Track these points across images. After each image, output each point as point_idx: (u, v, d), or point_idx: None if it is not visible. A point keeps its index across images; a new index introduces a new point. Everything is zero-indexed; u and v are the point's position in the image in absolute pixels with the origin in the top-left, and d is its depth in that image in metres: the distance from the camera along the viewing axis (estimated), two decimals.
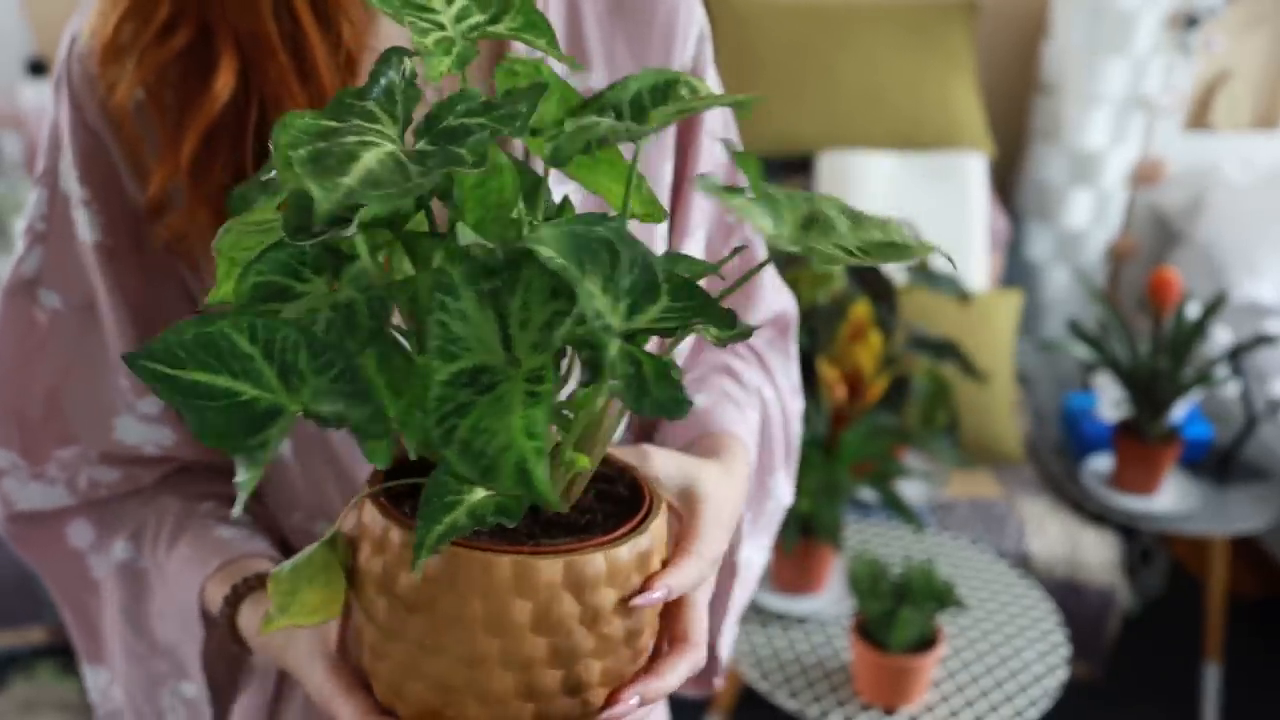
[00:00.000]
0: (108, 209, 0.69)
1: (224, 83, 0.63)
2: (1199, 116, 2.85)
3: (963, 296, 2.02)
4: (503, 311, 0.45)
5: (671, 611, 0.57)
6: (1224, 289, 2.20)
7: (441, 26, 0.50)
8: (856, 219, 0.51)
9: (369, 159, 0.43)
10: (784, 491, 0.89)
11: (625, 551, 0.52)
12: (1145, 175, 2.69)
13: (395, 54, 0.49)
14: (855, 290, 1.97)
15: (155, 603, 0.75)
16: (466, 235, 0.47)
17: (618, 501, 0.55)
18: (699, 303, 0.48)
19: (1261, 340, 1.98)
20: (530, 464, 0.44)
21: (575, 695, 0.53)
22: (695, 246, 0.80)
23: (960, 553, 1.87)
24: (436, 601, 0.50)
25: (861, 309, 1.62)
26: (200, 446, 0.75)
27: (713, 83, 0.80)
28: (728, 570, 0.80)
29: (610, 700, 0.54)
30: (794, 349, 0.90)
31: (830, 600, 1.70)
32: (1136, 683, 2.34)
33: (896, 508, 1.57)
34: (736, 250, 0.55)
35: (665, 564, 0.55)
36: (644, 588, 0.53)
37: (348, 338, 0.47)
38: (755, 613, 1.70)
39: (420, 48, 0.49)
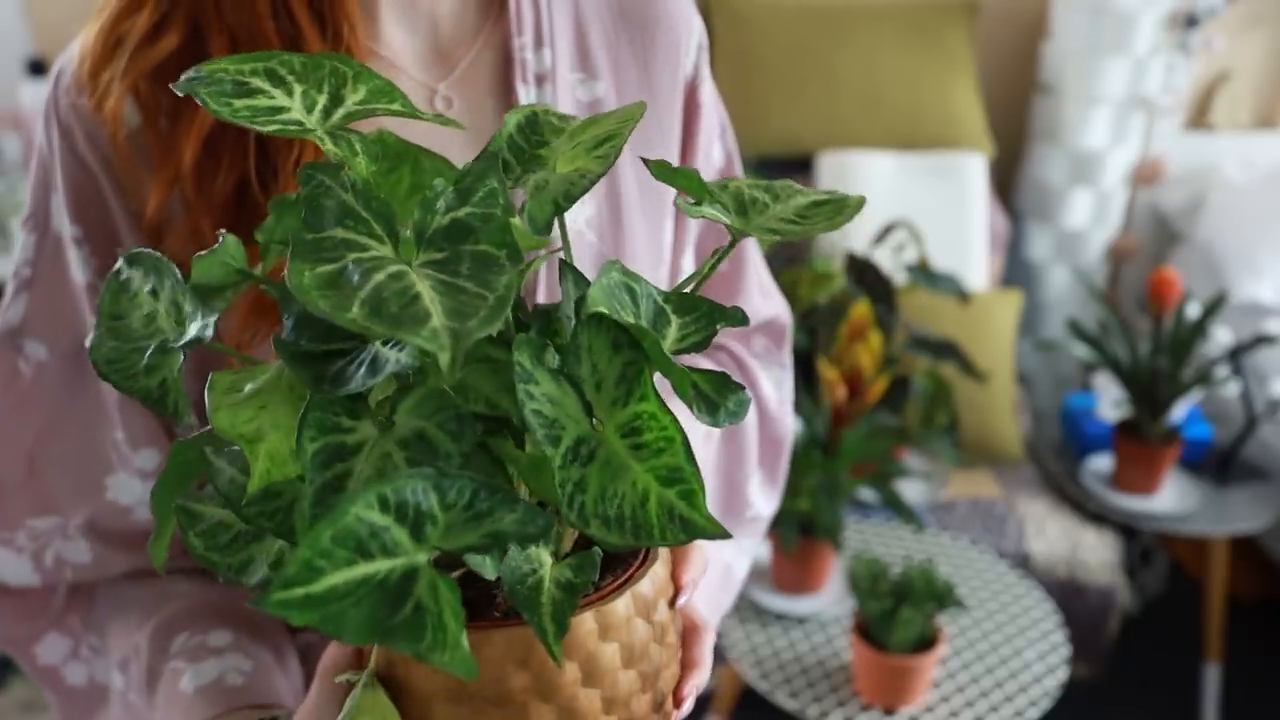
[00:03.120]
0: (100, 248, 0.66)
1: None
2: (1199, 116, 2.85)
3: (963, 296, 2.02)
4: (575, 381, 0.45)
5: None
6: (1224, 289, 2.20)
7: (301, 124, 0.46)
8: (773, 191, 0.51)
9: (426, 294, 0.40)
10: (761, 501, 0.87)
11: (660, 564, 0.53)
12: (1145, 175, 2.69)
13: (312, 170, 0.43)
14: (855, 290, 1.98)
15: None
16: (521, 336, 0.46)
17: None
18: (706, 309, 0.48)
19: (1261, 340, 1.98)
20: (679, 509, 0.44)
21: (660, 709, 0.53)
22: (693, 260, 0.81)
23: (960, 553, 1.87)
24: (511, 684, 0.47)
25: (861, 309, 1.62)
26: None
27: (709, 91, 0.81)
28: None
29: (678, 703, 0.55)
30: (789, 359, 0.89)
31: (830, 600, 1.70)
32: (1136, 683, 2.34)
33: (897, 508, 1.58)
34: (717, 253, 0.53)
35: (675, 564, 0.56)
36: (677, 589, 0.54)
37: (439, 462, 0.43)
38: (755, 613, 1.70)
39: (329, 154, 0.46)
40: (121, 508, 0.70)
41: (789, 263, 2.00)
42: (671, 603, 0.53)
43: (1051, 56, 2.63)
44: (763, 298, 0.87)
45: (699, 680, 0.55)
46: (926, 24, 2.61)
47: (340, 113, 0.47)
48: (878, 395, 1.59)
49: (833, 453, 1.62)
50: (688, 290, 0.50)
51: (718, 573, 0.83)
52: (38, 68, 2.38)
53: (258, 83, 0.46)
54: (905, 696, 1.50)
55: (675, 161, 0.77)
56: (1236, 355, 2.01)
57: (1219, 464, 2.16)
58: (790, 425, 0.89)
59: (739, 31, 2.61)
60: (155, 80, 0.63)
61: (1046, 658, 1.61)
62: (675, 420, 0.45)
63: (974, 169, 2.56)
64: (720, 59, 2.62)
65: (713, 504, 0.79)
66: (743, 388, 0.47)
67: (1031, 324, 2.80)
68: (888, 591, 1.47)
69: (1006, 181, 2.84)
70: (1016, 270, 2.78)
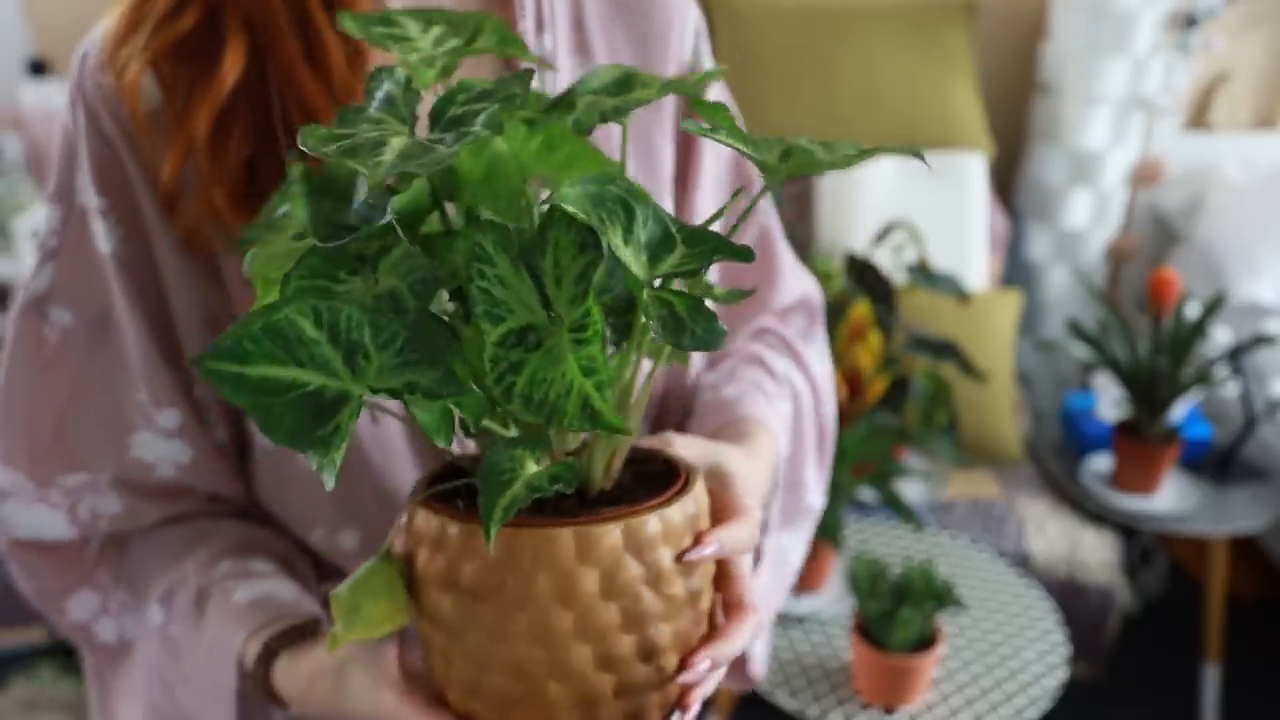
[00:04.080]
0: (124, 219, 0.69)
1: (232, 63, 0.64)
2: (1199, 116, 2.85)
3: (963, 296, 2.02)
4: (536, 273, 0.48)
5: (725, 581, 0.58)
6: (1223, 289, 2.20)
7: (415, 46, 0.54)
8: (829, 145, 0.54)
9: (395, 144, 0.47)
10: (814, 487, 0.88)
11: (676, 512, 0.54)
12: (1145, 175, 2.69)
13: (383, 72, 0.52)
14: (855, 290, 1.98)
15: (182, 668, 0.74)
16: (488, 216, 0.50)
17: (654, 478, 0.57)
18: (714, 243, 0.50)
19: (1261, 340, 1.98)
20: (593, 399, 0.47)
21: (650, 662, 0.54)
22: None
23: (960, 553, 1.87)
24: (503, 585, 0.51)
25: (861, 309, 1.62)
26: (210, 474, 0.75)
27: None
28: (755, 558, 0.80)
29: (683, 665, 0.55)
30: (823, 334, 0.90)
31: (830, 600, 1.70)
32: (1136, 683, 2.34)
33: (897, 508, 1.57)
34: (738, 194, 0.57)
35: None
36: (696, 544, 0.54)
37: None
38: None
39: (406, 65, 0.53)
40: (146, 464, 0.73)
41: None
42: (680, 555, 0.54)
43: (1051, 56, 2.63)
44: (795, 276, 0.89)
45: (718, 652, 0.56)
46: (926, 24, 2.61)
47: (465, 49, 0.54)
48: (878, 395, 1.59)
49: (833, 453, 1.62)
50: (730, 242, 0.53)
51: (770, 559, 0.83)
52: (38, 68, 2.38)
53: (403, 19, 0.55)
54: (905, 696, 1.50)
55: (671, 148, 0.79)
56: (1236, 355, 2.01)
57: (1219, 464, 2.16)
58: (833, 396, 0.90)
59: (738, 31, 2.61)
60: (173, 57, 0.66)
61: (1046, 657, 1.61)
62: (601, 313, 0.48)
63: (974, 169, 2.56)
64: (719, 58, 2.62)
65: (778, 502, 0.80)
66: (715, 318, 0.49)
67: (1031, 324, 2.80)
68: (887, 591, 1.47)
69: (1006, 181, 2.84)
70: (1016, 270, 2.78)
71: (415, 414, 0.49)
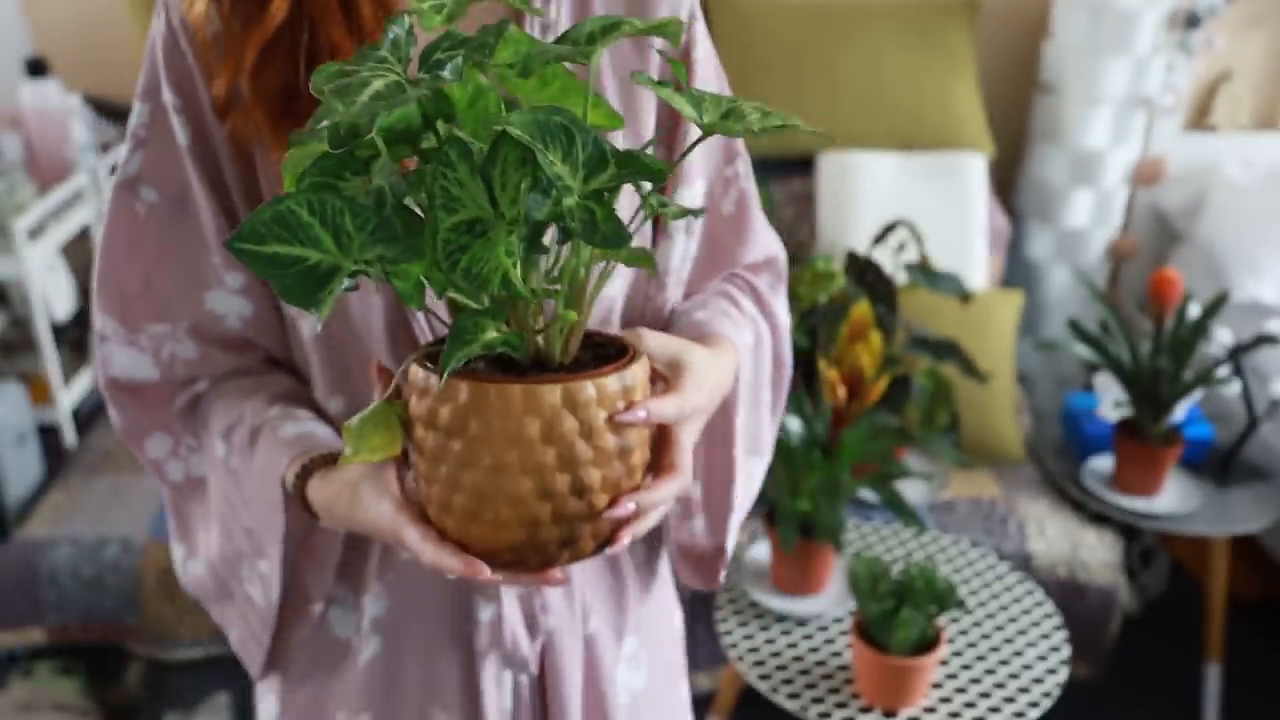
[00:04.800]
0: (192, 118, 0.84)
1: (278, 7, 0.78)
2: (1200, 116, 2.85)
3: (964, 296, 2.01)
4: (488, 179, 0.61)
5: (663, 446, 0.72)
6: (1225, 289, 2.20)
7: None
8: (766, 113, 0.66)
9: (377, 84, 0.60)
10: (769, 422, 1.00)
11: (612, 382, 0.67)
12: (1146, 175, 2.69)
13: (396, 16, 0.64)
14: (855, 290, 1.97)
15: (242, 492, 0.90)
16: (458, 133, 0.63)
17: (608, 358, 0.70)
18: (639, 163, 0.62)
19: (1262, 340, 1.98)
20: (510, 274, 0.61)
21: (581, 498, 0.67)
22: (695, 195, 0.92)
23: (961, 553, 1.87)
24: (468, 426, 0.65)
25: (861, 309, 1.61)
26: (266, 329, 0.91)
27: (705, 55, 0.93)
28: (725, 468, 0.94)
29: (611, 503, 0.68)
30: (785, 291, 1.04)
31: (831, 601, 1.70)
32: (1137, 683, 2.33)
33: (897, 508, 1.57)
34: (691, 148, 0.69)
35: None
36: (628, 409, 0.67)
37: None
38: (756, 613, 1.69)
39: (417, 10, 0.63)
40: (217, 315, 0.89)
41: (789, 263, 1.99)
42: (610, 416, 0.67)
43: (1052, 56, 2.63)
44: (766, 238, 1.01)
45: (643, 498, 0.70)
46: (927, 23, 2.60)
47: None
48: (878, 395, 1.59)
49: (833, 453, 1.62)
50: (697, 214, 0.69)
51: (740, 468, 0.95)
52: (36, 68, 2.38)
53: None
54: (906, 697, 1.49)
55: (654, 112, 0.91)
56: (1237, 355, 2.00)
57: (1220, 464, 2.16)
58: (791, 352, 1.02)
59: (739, 30, 2.61)
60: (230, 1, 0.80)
61: (1047, 658, 1.61)
62: (533, 227, 0.61)
63: (974, 169, 2.56)
64: (721, 58, 2.62)
65: (742, 416, 0.92)
66: (622, 224, 0.62)
67: (1032, 324, 2.80)
68: (888, 592, 1.47)
69: (1007, 181, 2.84)
70: (1017, 270, 2.78)
71: (394, 283, 0.62)
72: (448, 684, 0.94)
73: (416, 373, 0.68)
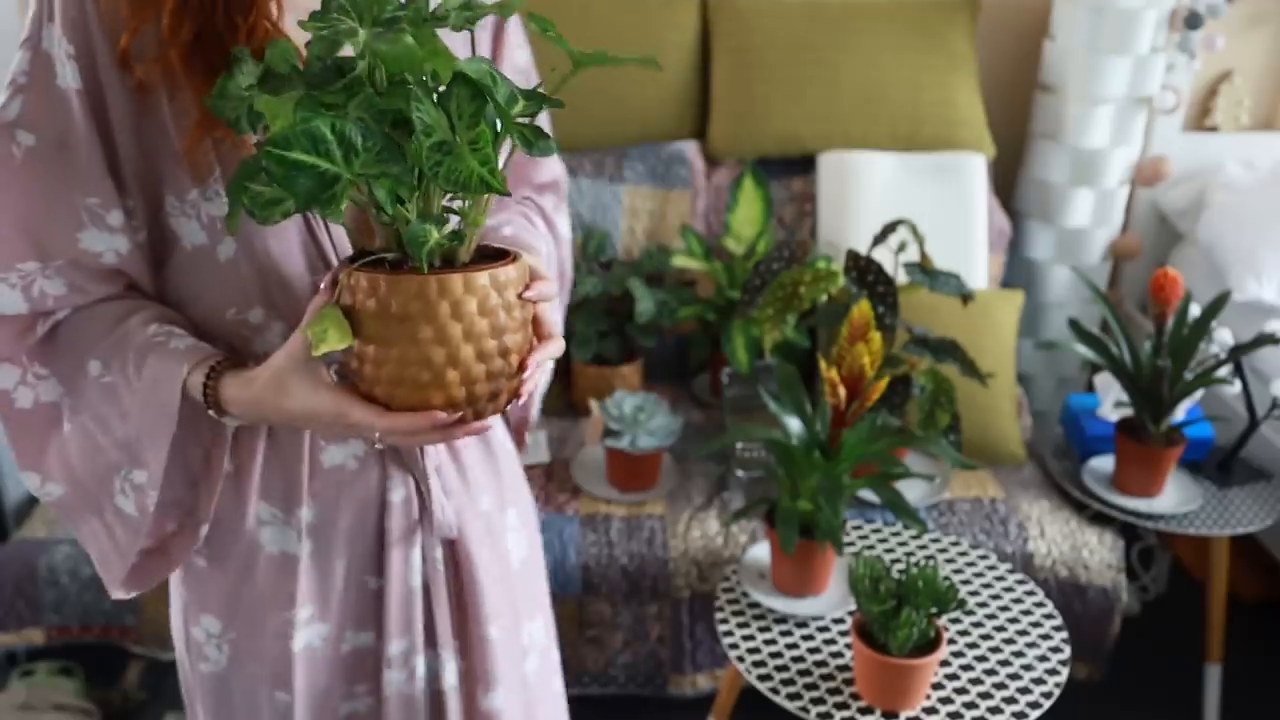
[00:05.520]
0: (86, 66, 0.91)
1: None
2: (1201, 116, 2.85)
3: (965, 296, 2.01)
4: (448, 110, 0.79)
5: (538, 321, 0.91)
6: (1226, 289, 2.19)
7: None
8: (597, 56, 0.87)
9: (361, 36, 0.80)
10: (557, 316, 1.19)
11: (516, 269, 0.87)
12: (1147, 175, 2.68)
13: None
14: (855, 290, 1.97)
15: (120, 406, 0.97)
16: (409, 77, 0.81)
17: (492, 256, 0.89)
18: (539, 100, 0.84)
19: (1263, 340, 1.97)
20: (488, 177, 0.80)
21: (505, 358, 0.86)
22: None
23: (961, 554, 1.87)
24: (418, 310, 0.81)
25: (862, 309, 1.61)
26: (138, 264, 0.97)
27: (516, 43, 1.12)
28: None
29: (522, 365, 0.88)
30: (567, 208, 1.28)
31: (831, 601, 1.70)
32: (1138, 684, 2.33)
33: (898, 509, 1.57)
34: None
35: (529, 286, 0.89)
36: (528, 288, 0.88)
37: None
38: (756, 614, 1.69)
39: None
40: (94, 254, 0.95)
41: (789, 263, 1.99)
42: (520, 293, 0.86)
43: (1053, 55, 2.63)
44: (552, 162, 1.22)
45: (542, 355, 0.89)
46: (928, 23, 2.60)
47: None
48: (878, 395, 1.58)
49: (833, 453, 1.61)
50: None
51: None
52: None
53: None
54: (906, 698, 1.49)
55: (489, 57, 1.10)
56: (1238, 355, 2.00)
57: (1220, 464, 2.16)
58: (573, 262, 1.31)
59: (739, 30, 2.60)
60: None
61: (1047, 659, 1.61)
62: (491, 135, 0.80)
63: (975, 168, 2.55)
64: (720, 57, 2.62)
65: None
66: (549, 137, 0.83)
67: (1033, 324, 2.79)
68: (889, 593, 1.46)
69: (1008, 181, 2.84)
70: (1017, 270, 2.77)
71: (375, 191, 0.79)
72: (370, 565, 1.10)
73: (363, 278, 0.83)
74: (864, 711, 1.51)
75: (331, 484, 1.06)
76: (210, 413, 0.94)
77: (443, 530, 1.10)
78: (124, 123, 0.92)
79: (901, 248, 2.04)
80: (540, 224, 1.16)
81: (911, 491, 2.11)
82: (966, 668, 1.59)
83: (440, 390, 0.84)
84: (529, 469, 2.19)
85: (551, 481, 2.18)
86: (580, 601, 2.04)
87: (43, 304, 0.95)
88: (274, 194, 0.81)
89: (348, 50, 0.80)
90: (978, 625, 1.68)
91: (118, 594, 1.06)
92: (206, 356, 0.94)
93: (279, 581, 1.08)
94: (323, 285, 0.86)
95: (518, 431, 1.30)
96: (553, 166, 1.22)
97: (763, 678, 1.57)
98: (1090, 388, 2.75)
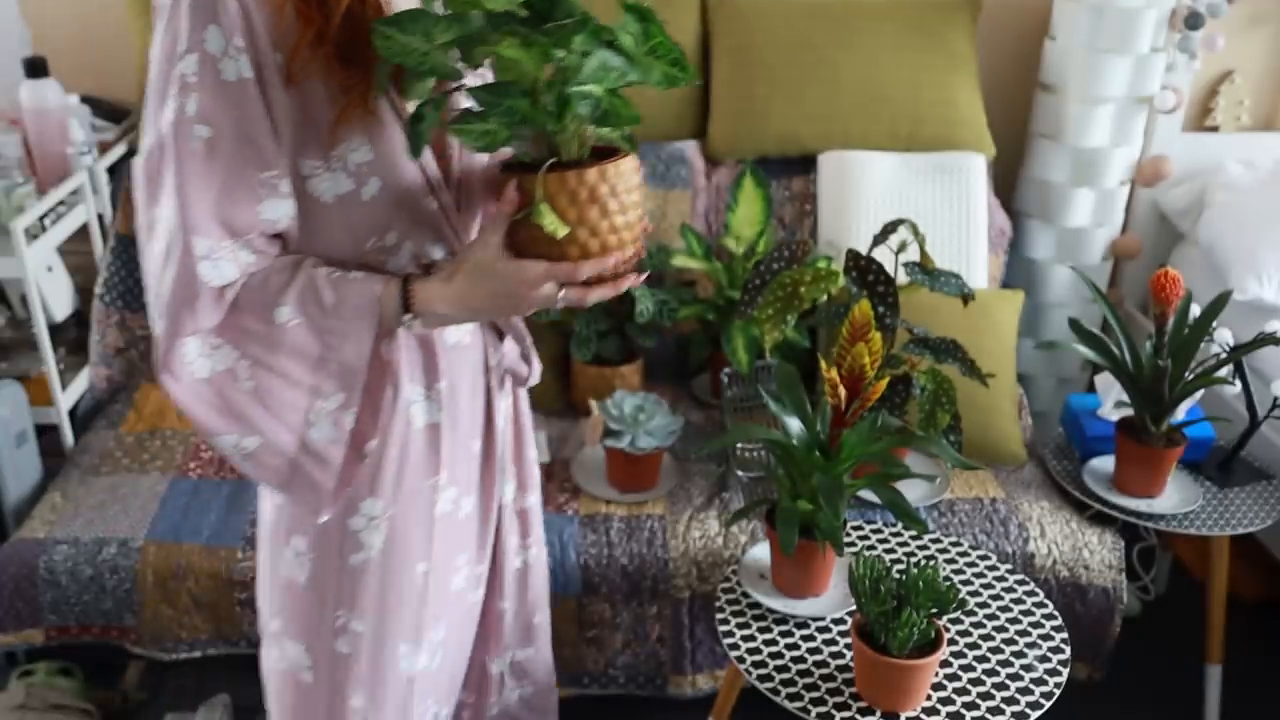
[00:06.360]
0: (254, 59, 1.04)
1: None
2: (1201, 116, 2.85)
3: (965, 296, 2.01)
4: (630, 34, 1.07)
5: None
6: (1226, 288, 2.19)
7: None
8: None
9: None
10: None
11: (635, 158, 1.13)
12: (1147, 175, 2.68)
13: None
14: (856, 290, 1.97)
15: (318, 339, 1.13)
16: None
17: (603, 154, 1.12)
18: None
19: (1264, 340, 1.97)
20: (679, 72, 1.12)
21: (632, 231, 1.11)
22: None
23: (962, 554, 1.87)
24: (604, 193, 1.07)
25: (862, 309, 1.61)
26: (295, 223, 1.13)
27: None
28: None
29: (644, 229, 1.14)
30: None
31: (831, 602, 1.70)
32: (1138, 684, 2.33)
33: (898, 509, 1.57)
34: None
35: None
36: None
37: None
38: (756, 614, 1.69)
39: None
40: (272, 221, 1.11)
41: (789, 263, 1.99)
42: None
43: (1053, 55, 2.62)
44: None
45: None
46: (928, 22, 2.60)
47: None
48: (878, 395, 1.58)
49: (833, 454, 1.61)
50: None
51: None
52: (36, 68, 2.37)
53: None
54: (907, 698, 1.49)
55: None
56: (1239, 355, 2.00)
57: (1221, 464, 2.15)
58: None
59: (739, 30, 2.60)
60: None
61: (1048, 659, 1.60)
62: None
63: (975, 168, 2.55)
64: (720, 57, 2.62)
65: None
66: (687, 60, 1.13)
67: (1033, 324, 2.79)
68: (889, 593, 1.46)
69: (1008, 181, 2.83)
70: (1018, 270, 2.77)
71: (566, 110, 1.05)
72: (474, 429, 1.35)
73: (555, 178, 1.06)
74: (864, 712, 1.51)
75: (455, 358, 1.28)
76: (405, 316, 1.13)
77: (521, 375, 1.40)
78: (279, 104, 1.07)
79: (902, 247, 2.04)
80: None
81: (912, 492, 2.10)
82: (967, 668, 1.59)
83: (607, 251, 1.09)
84: None
85: (551, 481, 2.18)
86: (580, 602, 2.03)
87: (244, 270, 1.11)
88: (486, 127, 1.04)
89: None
90: (978, 626, 1.68)
91: (325, 516, 1.21)
92: (388, 278, 1.14)
93: (428, 451, 1.28)
94: (504, 197, 1.08)
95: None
96: None
97: (763, 678, 1.57)
98: (1091, 388, 2.74)
